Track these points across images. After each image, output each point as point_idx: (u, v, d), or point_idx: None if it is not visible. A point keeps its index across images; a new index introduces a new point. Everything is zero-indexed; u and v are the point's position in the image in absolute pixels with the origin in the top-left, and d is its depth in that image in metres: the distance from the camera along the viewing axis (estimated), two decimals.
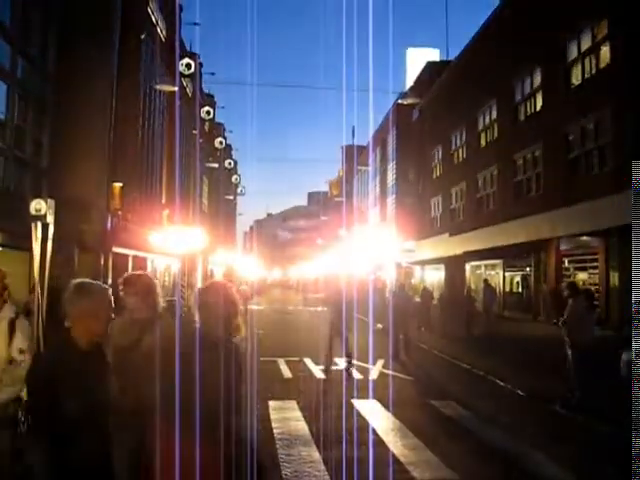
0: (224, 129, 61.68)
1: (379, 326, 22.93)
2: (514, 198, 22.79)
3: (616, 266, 15.92)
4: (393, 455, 7.40)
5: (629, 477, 3.61)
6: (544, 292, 19.87)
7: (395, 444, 7.97)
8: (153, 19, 29.97)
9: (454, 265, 29.09)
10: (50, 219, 10.69)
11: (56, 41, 19.68)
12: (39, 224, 10.59)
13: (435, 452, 7.59)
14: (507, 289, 24.60)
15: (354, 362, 14.26)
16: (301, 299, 58.56)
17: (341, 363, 14.16)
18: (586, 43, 17.86)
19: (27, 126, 18.57)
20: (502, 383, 12.76)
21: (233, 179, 68.10)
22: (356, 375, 13.52)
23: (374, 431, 8.48)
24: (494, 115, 25.69)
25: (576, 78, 18.65)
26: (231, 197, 71.56)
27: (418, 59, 45.51)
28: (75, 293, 3.44)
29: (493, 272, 26.05)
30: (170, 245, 24.55)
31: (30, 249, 11.11)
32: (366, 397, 10.80)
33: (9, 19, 16.92)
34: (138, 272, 5.17)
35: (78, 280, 3.61)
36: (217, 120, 55.45)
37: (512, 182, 23.05)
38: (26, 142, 18.61)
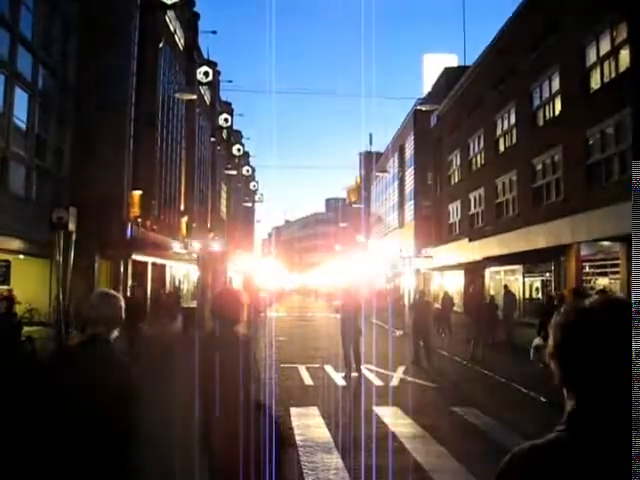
0: (241, 136, 61.96)
1: (399, 332, 22.85)
2: (533, 203, 22.62)
3: None
4: (416, 462, 7.34)
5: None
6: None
7: (417, 451, 7.91)
8: (171, 28, 30.19)
9: (474, 271, 28.92)
10: (72, 227, 10.78)
11: (76, 51, 19.88)
12: (61, 232, 10.68)
13: (458, 459, 7.52)
14: (527, 295, 24.41)
15: (372, 368, 14.20)
16: (319, 306, 58.52)
17: (364, 370, 14.15)
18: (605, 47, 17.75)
19: (48, 135, 18.75)
20: (524, 390, 12.64)
21: (251, 186, 68.39)
22: (377, 382, 13.47)
23: (396, 438, 8.42)
24: (512, 120, 25.55)
25: (595, 82, 18.50)
26: (249, 204, 71.81)
27: (435, 65, 45.43)
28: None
29: (513, 278, 25.85)
30: (189, 252, 24.63)
31: (51, 257, 11.20)
32: (387, 404, 10.73)
33: (31, 31, 17.14)
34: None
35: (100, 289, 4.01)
36: (235, 127, 55.73)
37: (531, 187, 22.89)
38: (47, 151, 18.79)
